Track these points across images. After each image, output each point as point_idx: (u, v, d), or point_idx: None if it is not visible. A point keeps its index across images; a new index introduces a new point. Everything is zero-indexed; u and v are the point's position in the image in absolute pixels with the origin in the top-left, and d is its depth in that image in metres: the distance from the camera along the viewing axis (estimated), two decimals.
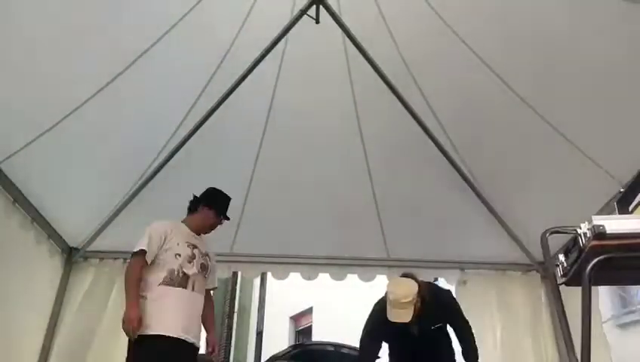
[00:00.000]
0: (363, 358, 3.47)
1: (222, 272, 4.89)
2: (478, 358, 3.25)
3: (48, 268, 4.10)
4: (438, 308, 3.19)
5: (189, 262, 3.05)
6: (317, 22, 3.19)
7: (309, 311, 13.06)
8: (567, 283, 1.83)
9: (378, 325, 3.25)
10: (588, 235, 1.62)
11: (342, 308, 9.83)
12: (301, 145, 4.01)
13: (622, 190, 2.22)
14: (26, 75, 2.98)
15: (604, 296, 5.81)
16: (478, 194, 4.10)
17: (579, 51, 2.94)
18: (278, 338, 12.92)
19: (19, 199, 3.51)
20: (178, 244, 3.07)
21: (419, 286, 3.11)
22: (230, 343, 14.51)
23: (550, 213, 3.40)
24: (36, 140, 3.26)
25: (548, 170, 3.65)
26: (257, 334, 14.87)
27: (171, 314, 2.90)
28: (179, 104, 3.67)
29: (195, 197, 3.34)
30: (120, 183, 4.02)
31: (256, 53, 3.36)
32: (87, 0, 2.92)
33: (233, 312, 14.82)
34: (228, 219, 3.35)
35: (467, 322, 3.34)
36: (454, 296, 3.60)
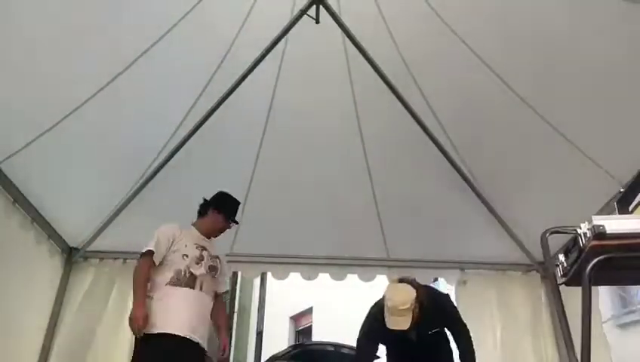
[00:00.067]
0: (360, 359, 3.46)
1: None
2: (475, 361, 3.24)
3: (48, 268, 4.10)
4: (436, 313, 3.18)
5: (197, 263, 3.07)
6: (317, 22, 3.19)
7: (309, 311, 13.07)
8: (567, 283, 1.83)
9: (375, 329, 3.23)
10: (588, 235, 1.62)
11: (342, 308, 9.83)
12: (301, 145, 4.01)
13: (622, 190, 2.21)
14: (26, 75, 2.98)
15: (604, 296, 5.81)
16: (478, 194, 4.10)
17: (579, 51, 2.94)
18: (278, 339, 12.93)
19: (19, 199, 3.51)
20: (186, 246, 3.10)
21: (416, 291, 3.08)
22: (230, 343, 14.50)
23: (550, 213, 3.40)
24: (36, 140, 3.26)
25: (548, 170, 3.65)
26: (257, 334, 14.88)
27: (177, 313, 2.93)
28: (179, 104, 3.67)
29: (205, 200, 3.38)
30: (120, 183, 4.03)
31: (256, 53, 3.36)
32: (87, 0, 2.92)
33: (233, 312, 14.80)
34: (237, 223, 3.39)
35: (465, 326, 3.33)
36: (452, 299, 3.59)
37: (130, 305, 4.14)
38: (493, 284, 4.51)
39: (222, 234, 3.36)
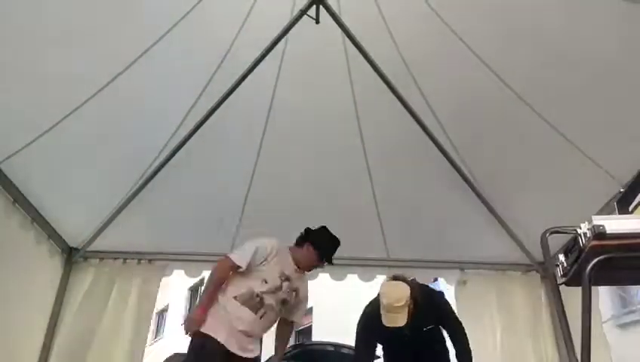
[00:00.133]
0: (359, 359, 3.46)
1: None
2: (472, 360, 3.24)
3: (48, 268, 4.10)
4: (430, 309, 3.20)
5: (272, 293, 3.05)
6: (317, 22, 3.19)
7: (309, 311, 13.05)
8: (567, 284, 1.83)
9: (371, 327, 3.24)
10: (588, 235, 1.62)
11: (342, 308, 9.83)
12: (301, 145, 4.01)
13: (622, 190, 2.22)
14: (26, 75, 2.98)
15: (604, 296, 5.82)
16: (478, 194, 4.10)
17: (579, 51, 2.94)
18: None
19: (19, 199, 3.51)
20: (272, 271, 3.07)
21: (411, 288, 3.09)
22: None
23: (550, 213, 3.40)
24: (36, 140, 3.26)
25: (548, 170, 3.65)
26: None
27: (231, 331, 2.97)
28: (179, 104, 3.67)
29: (305, 231, 3.37)
30: (120, 183, 4.03)
31: (256, 53, 3.36)
32: (87, 0, 2.92)
33: None
34: (331, 263, 3.35)
35: (460, 323, 3.33)
36: (447, 298, 3.60)
37: (131, 305, 4.23)
38: (493, 284, 4.51)
39: (312, 267, 3.36)
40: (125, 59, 3.21)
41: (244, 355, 3.01)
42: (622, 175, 3.17)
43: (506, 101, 3.37)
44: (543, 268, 4.41)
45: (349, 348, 7.44)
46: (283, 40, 3.36)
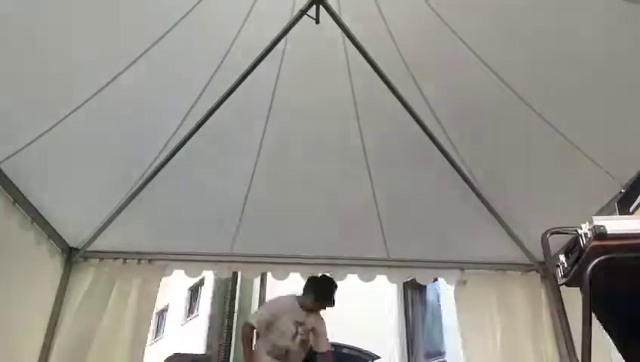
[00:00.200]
0: None
1: (222, 272, 4.92)
2: None
3: (48, 268, 4.10)
4: None
5: (292, 340, 3.83)
6: (317, 22, 3.18)
7: None
8: (567, 284, 1.83)
9: None
10: (589, 236, 1.62)
11: (342, 308, 9.82)
12: (301, 145, 4.01)
13: (622, 190, 2.22)
14: (26, 75, 2.98)
15: None
16: (478, 194, 4.10)
17: (579, 51, 2.94)
18: None
19: (19, 199, 3.51)
20: (285, 323, 3.82)
21: None
22: (230, 343, 14.51)
23: (550, 213, 3.40)
24: (36, 140, 3.26)
25: (548, 170, 3.65)
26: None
27: None
28: (179, 104, 3.67)
29: (308, 279, 4.20)
30: (120, 183, 4.02)
31: (256, 53, 3.36)
32: (88, 0, 2.92)
33: (233, 312, 14.83)
34: (332, 305, 4.08)
35: None
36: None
37: (130, 305, 4.26)
38: (493, 284, 4.51)
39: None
40: (125, 59, 3.21)
41: None
42: (622, 175, 3.17)
43: (506, 101, 3.36)
44: (544, 268, 4.41)
45: (349, 347, 7.45)
46: (283, 40, 3.36)
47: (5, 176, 3.33)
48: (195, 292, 17.07)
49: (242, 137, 3.99)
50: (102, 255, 4.41)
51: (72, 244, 4.35)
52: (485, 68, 3.28)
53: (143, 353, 4.27)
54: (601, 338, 3.65)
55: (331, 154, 4.08)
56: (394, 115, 3.67)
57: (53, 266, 4.17)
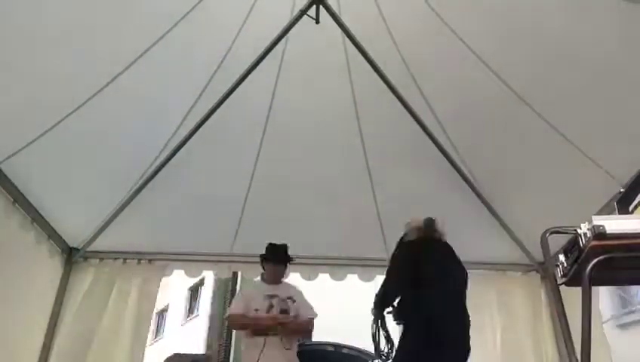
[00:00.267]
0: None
1: (222, 272, 4.92)
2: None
3: (48, 268, 4.10)
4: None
5: (269, 312, 3.54)
6: (317, 22, 3.19)
7: None
8: (567, 284, 1.83)
9: (416, 249, 3.15)
10: (588, 235, 1.62)
11: (342, 308, 9.83)
12: (301, 145, 4.01)
13: (622, 190, 2.22)
14: (26, 74, 2.98)
15: (604, 296, 5.82)
16: (478, 195, 4.10)
17: (579, 51, 2.94)
18: None
19: (19, 199, 3.51)
20: (257, 300, 3.58)
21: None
22: (230, 343, 14.50)
23: (550, 213, 3.40)
24: (36, 140, 3.26)
25: (548, 170, 3.65)
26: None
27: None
28: (179, 104, 3.67)
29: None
30: (120, 183, 4.02)
31: (256, 53, 3.36)
32: (88, 0, 2.92)
33: None
34: (283, 261, 3.73)
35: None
36: None
37: (131, 305, 4.25)
38: (493, 284, 4.51)
39: (280, 275, 3.75)
40: (125, 60, 3.21)
41: None
42: (622, 175, 3.17)
43: (505, 101, 3.36)
44: (543, 268, 4.41)
45: (349, 348, 7.43)
46: (283, 40, 3.36)
47: (5, 176, 3.33)
48: (195, 292, 17.06)
49: (242, 137, 3.99)
50: (102, 255, 4.41)
51: (72, 244, 4.35)
52: (485, 68, 3.28)
53: (143, 353, 4.27)
54: (602, 338, 3.68)
55: (331, 154, 4.08)
56: (394, 115, 3.67)
57: (53, 266, 4.17)
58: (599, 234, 1.57)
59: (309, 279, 4.75)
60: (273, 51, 3.38)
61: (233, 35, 3.38)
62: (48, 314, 4.08)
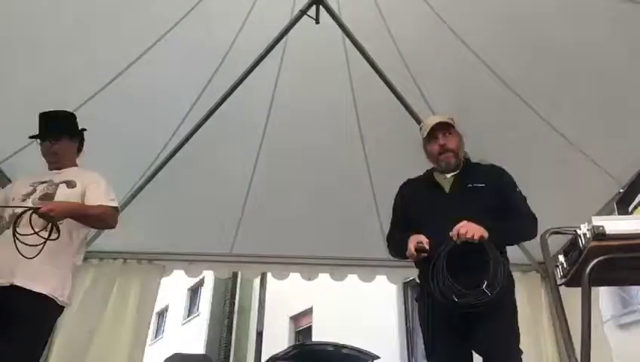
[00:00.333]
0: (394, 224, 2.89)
1: (222, 272, 4.92)
2: (532, 229, 2.54)
3: None
4: (484, 169, 2.75)
5: (23, 201, 2.57)
6: (317, 22, 3.19)
7: (309, 311, 13.06)
8: (567, 284, 1.83)
9: (408, 187, 2.94)
10: (588, 236, 1.62)
11: (342, 308, 9.84)
12: (301, 146, 4.01)
13: (621, 190, 2.22)
14: (26, 74, 2.98)
15: (604, 296, 5.81)
16: None
17: (579, 51, 2.95)
18: (278, 339, 12.93)
19: None
20: (22, 188, 2.65)
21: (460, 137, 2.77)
22: (230, 343, 14.53)
23: (550, 213, 3.40)
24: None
25: (548, 170, 3.64)
26: (257, 334, 14.88)
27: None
28: (179, 104, 3.67)
29: None
30: (120, 183, 4.01)
31: (256, 53, 3.36)
32: (88, 0, 2.93)
33: (233, 312, 14.84)
34: (38, 138, 2.77)
35: (525, 198, 2.67)
36: None
37: (131, 305, 4.24)
38: None
39: (52, 156, 2.80)
40: (125, 60, 3.22)
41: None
42: (622, 175, 3.17)
43: (505, 101, 3.36)
44: (543, 268, 4.41)
45: (350, 348, 7.45)
46: (283, 40, 3.36)
47: (5, 176, 3.33)
48: (195, 292, 17.08)
49: (242, 137, 3.99)
50: (102, 255, 4.41)
51: None
52: (485, 68, 3.28)
53: (143, 353, 4.26)
54: (602, 338, 3.68)
55: (331, 155, 4.08)
56: (394, 115, 3.67)
57: None
58: (599, 234, 1.57)
59: (309, 279, 4.76)
60: (273, 51, 3.38)
61: (233, 35, 3.38)
62: None
